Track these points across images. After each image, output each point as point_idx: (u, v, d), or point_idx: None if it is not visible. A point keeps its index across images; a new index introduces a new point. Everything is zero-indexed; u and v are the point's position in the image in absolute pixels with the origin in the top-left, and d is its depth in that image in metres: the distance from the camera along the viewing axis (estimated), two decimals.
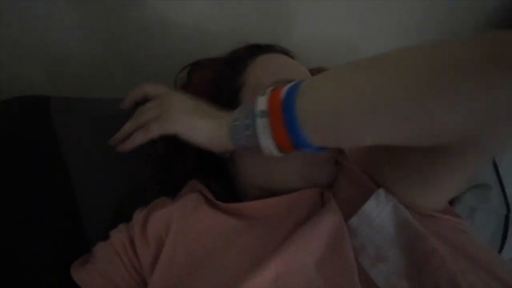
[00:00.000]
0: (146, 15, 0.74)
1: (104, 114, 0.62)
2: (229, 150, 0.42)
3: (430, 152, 0.34)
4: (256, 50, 0.55)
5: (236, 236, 0.41)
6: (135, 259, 0.43)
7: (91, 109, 0.62)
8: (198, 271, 0.38)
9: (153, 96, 0.46)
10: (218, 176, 0.52)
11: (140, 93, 0.47)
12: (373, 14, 1.02)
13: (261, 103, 0.36)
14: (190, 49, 0.78)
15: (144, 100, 0.47)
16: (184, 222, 0.43)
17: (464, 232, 0.39)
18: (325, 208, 0.40)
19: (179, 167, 0.54)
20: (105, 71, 0.77)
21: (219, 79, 0.55)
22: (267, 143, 0.36)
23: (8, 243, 0.45)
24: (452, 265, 0.32)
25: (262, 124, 0.36)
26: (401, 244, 0.35)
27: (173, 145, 0.55)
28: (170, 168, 0.55)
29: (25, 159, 0.52)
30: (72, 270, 0.43)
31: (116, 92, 0.69)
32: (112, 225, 0.49)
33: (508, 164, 0.75)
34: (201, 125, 0.40)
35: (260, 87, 0.49)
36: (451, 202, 0.73)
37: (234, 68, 0.54)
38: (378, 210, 0.38)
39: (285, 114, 0.34)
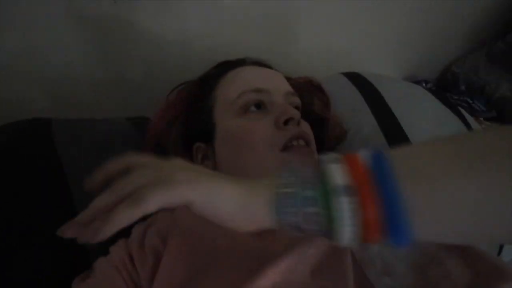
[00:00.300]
0: (145, 38, 0.77)
1: (103, 132, 0.63)
2: (262, 227, 0.28)
3: None
4: (226, 66, 0.58)
5: (234, 243, 0.41)
6: (134, 274, 0.43)
7: (91, 128, 0.64)
8: (197, 283, 0.38)
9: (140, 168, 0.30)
10: None
11: (121, 165, 0.32)
12: (372, 27, 1.06)
13: (337, 172, 0.25)
14: (190, 68, 0.79)
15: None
16: (180, 234, 0.44)
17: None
18: None
19: None
20: (104, 92, 0.79)
21: (192, 99, 0.58)
22: (346, 229, 0.24)
23: (7, 257, 0.46)
24: None
25: (346, 205, 0.24)
26: (412, 262, 0.35)
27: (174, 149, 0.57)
28: None
29: (28, 179, 0.54)
30: (73, 285, 0.43)
31: (116, 112, 0.72)
32: (112, 237, 0.50)
33: None
34: (227, 190, 0.27)
35: (228, 101, 0.53)
36: None
37: (205, 87, 0.57)
38: None
39: (380, 189, 0.24)
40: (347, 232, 0.24)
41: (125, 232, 0.48)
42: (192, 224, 0.45)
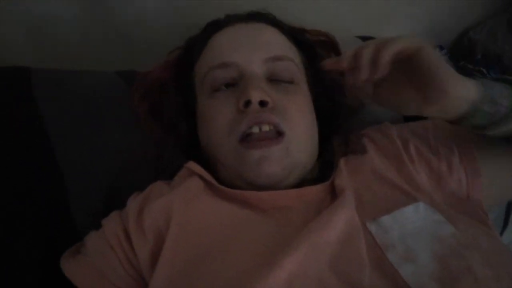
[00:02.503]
0: None
1: (90, 87, 0.57)
2: (465, 95, 0.37)
3: None
4: (211, 30, 0.50)
5: (243, 228, 0.38)
6: (131, 253, 0.39)
7: (77, 81, 0.57)
8: (204, 268, 0.35)
9: None
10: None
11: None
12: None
13: None
14: (192, 16, 0.68)
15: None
16: (185, 214, 0.40)
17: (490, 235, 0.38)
18: (338, 202, 0.38)
19: (175, 142, 0.51)
20: (93, 42, 0.70)
21: (180, 69, 0.53)
22: None
23: None
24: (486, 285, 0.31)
25: None
26: (434, 252, 0.34)
27: (167, 119, 0.52)
28: (165, 145, 0.51)
29: (5, 137, 0.48)
30: (62, 262, 0.40)
31: (103, 65, 0.65)
32: (104, 207, 0.46)
33: None
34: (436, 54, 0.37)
35: (200, 79, 0.48)
36: None
37: (189, 57, 0.51)
38: (414, 219, 0.37)
39: None
40: None
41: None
42: (196, 204, 0.41)
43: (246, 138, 0.41)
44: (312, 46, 0.55)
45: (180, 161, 0.48)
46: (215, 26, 0.50)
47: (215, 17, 0.54)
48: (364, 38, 0.70)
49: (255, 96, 0.41)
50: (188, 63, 0.51)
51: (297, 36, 0.52)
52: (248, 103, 0.41)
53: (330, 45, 0.59)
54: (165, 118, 0.51)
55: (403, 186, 0.41)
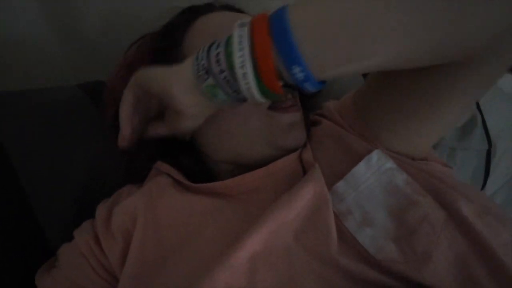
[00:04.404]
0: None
1: (51, 103, 0.56)
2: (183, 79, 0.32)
3: (426, 87, 0.33)
4: (193, 14, 0.49)
5: (210, 216, 0.39)
6: (102, 257, 0.40)
7: (36, 99, 0.56)
8: (172, 260, 0.36)
9: None
10: (186, 154, 0.48)
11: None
12: None
13: (238, 25, 0.29)
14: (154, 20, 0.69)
15: None
16: (151, 210, 0.40)
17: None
18: (306, 176, 0.38)
19: (141, 152, 0.50)
20: (51, 53, 0.69)
21: (155, 56, 0.50)
22: (239, 55, 0.27)
23: None
24: (442, 231, 0.32)
25: (238, 34, 0.28)
26: (389, 208, 0.34)
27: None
28: (132, 155, 0.50)
29: None
30: (36, 278, 0.40)
31: (61, 80, 0.64)
32: (74, 222, 0.46)
33: (488, 96, 0.73)
34: (163, 71, 0.33)
35: None
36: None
37: (170, 40, 0.49)
38: (367, 175, 0.36)
39: (271, 22, 0.27)
40: (239, 60, 0.27)
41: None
42: (163, 199, 0.41)
43: (273, 106, 0.42)
44: None
45: (149, 163, 0.48)
46: (198, 10, 0.49)
47: None
48: None
49: None
50: (169, 46, 0.48)
51: None
52: None
53: None
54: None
55: (357, 142, 0.40)
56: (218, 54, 0.29)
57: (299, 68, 0.26)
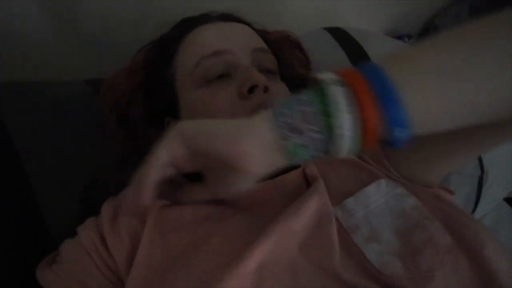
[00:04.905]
0: None
1: (58, 97, 0.56)
2: (261, 139, 0.28)
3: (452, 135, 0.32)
4: (187, 26, 0.50)
5: (217, 225, 0.39)
6: (107, 257, 0.39)
7: (43, 93, 0.56)
8: (179, 266, 0.35)
9: None
10: None
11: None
12: None
13: (328, 75, 0.27)
14: (158, 21, 0.69)
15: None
16: (161, 214, 0.40)
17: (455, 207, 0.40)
18: (311, 189, 0.38)
19: (141, 153, 0.50)
20: (58, 49, 0.69)
21: (152, 67, 0.51)
22: (345, 118, 0.25)
23: None
24: (446, 254, 0.33)
25: (338, 93, 0.25)
26: (396, 228, 0.35)
27: (132, 131, 0.52)
28: (132, 156, 0.50)
29: None
30: (37, 272, 0.39)
31: (70, 75, 0.64)
32: (79, 219, 0.45)
33: None
34: (222, 124, 0.30)
35: (187, 72, 0.46)
36: None
37: (165, 53, 0.50)
38: (377, 197, 0.37)
39: (372, 83, 0.25)
40: (346, 122, 0.25)
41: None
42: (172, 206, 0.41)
43: None
44: (278, 46, 0.56)
45: None
46: (192, 22, 0.50)
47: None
48: (332, 30, 0.72)
49: (262, 81, 0.41)
50: (162, 60, 0.50)
51: (264, 37, 0.53)
52: (253, 88, 0.42)
53: (292, 44, 0.60)
54: (134, 126, 0.51)
55: (366, 164, 0.42)
56: (307, 112, 0.26)
57: (402, 129, 0.25)
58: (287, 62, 0.56)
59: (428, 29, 1.34)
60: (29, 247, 0.44)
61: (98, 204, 0.44)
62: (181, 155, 0.31)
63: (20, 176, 0.47)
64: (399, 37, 1.20)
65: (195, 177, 0.37)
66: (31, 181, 0.47)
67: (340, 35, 0.69)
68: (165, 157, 0.31)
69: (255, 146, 0.28)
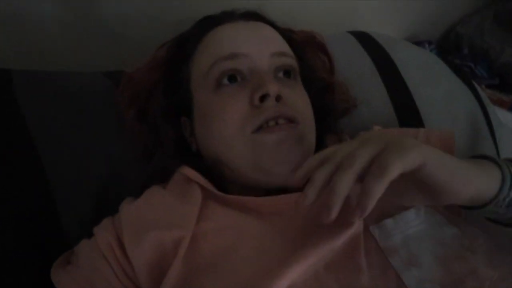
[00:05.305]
0: None
1: (76, 89, 0.55)
2: (476, 189, 0.31)
3: None
4: (206, 25, 0.48)
5: (244, 233, 0.38)
6: (125, 262, 0.37)
7: (62, 83, 0.55)
8: (205, 279, 0.34)
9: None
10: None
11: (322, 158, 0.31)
12: None
13: None
14: (183, 11, 0.66)
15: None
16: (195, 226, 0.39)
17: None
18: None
19: (164, 147, 0.49)
20: (76, 39, 0.68)
21: (170, 65, 0.50)
22: None
23: None
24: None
25: None
26: (437, 255, 0.34)
27: (156, 123, 0.50)
28: (155, 149, 0.49)
29: None
30: (52, 273, 0.38)
31: (90, 66, 0.62)
32: (94, 216, 0.44)
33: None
34: (470, 169, 0.31)
35: (201, 74, 0.45)
36: None
37: (183, 52, 0.48)
38: (416, 222, 0.36)
39: None
40: None
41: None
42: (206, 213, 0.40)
43: (259, 130, 0.40)
44: (302, 47, 0.54)
45: (172, 165, 0.47)
46: (212, 21, 0.48)
47: (204, 14, 0.52)
48: (357, 34, 0.70)
49: (274, 90, 0.40)
50: (181, 59, 0.49)
51: (288, 36, 0.51)
52: (264, 97, 0.40)
53: (317, 46, 0.58)
54: (153, 122, 0.49)
55: None
56: None
57: None
58: (310, 64, 0.55)
59: (448, 36, 1.31)
60: (44, 244, 0.43)
61: (117, 201, 0.43)
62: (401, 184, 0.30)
63: (36, 168, 0.46)
64: (419, 43, 1.18)
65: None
66: (47, 174, 0.46)
67: (366, 40, 0.67)
68: (364, 163, 0.28)
69: (471, 196, 0.31)
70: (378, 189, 0.26)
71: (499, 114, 0.69)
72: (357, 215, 0.28)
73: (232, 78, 0.43)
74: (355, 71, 0.62)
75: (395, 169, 0.26)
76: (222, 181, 0.45)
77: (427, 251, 0.34)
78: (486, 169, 0.32)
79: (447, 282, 0.32)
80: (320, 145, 0.49)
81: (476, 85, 0.66)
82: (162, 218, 0.40)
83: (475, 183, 0.30)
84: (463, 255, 0.34)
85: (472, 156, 0.36)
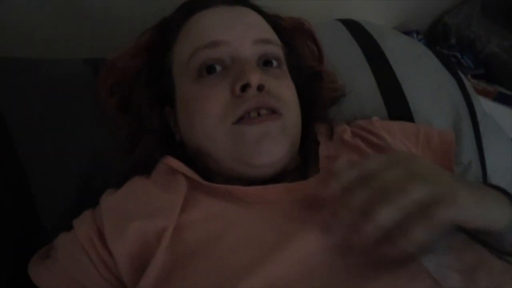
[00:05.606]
0: None
1: (56, 77, 0.52)
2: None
3: None
4: (189, 10, 0.46)
5: (230, 222, 0.37)
6: (105, 255, 0.36)
7: (41, 71, 0.52)
8: (189, 269, 0.34)
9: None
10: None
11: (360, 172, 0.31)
12: None
13: None
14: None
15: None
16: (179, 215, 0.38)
17: None
18: None
19: (147, 137, 0.47)
20: (56, 27, 0.65)
21: (152, 52, 0.48)
22: None
23: None
24: (502, 275, 0.32)
25: None
26: (450, 244, 0.33)
27: (138, 113, 0.48)
28: (138, 139, 0.48)
29: None
30: (30, 267, 0.37)
31: (69, 53, 0.60)
32: (75, 209, 0.43)
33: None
34: (493, 207, 0.32)
35: (182, 63, 0.44)
36: None
37: (165, 39, 0.47)
38: None
39: None
40: None
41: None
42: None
43: (240, 121, 0.40)
44: (290, 35, 0.53)
45: (155, 155, 0.46)
46: (193, 6, 0.47)
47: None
48: (346, 22, 0.69)
49: (255, 80, 0.39)
50: (162, 46, 0.47)
51: (275, 23, 0.50)
52: (245, 87, 0.39)
53: (305, 33, 0.57)
54: (136, 112, 0.48)
55: None
56: None
57: None
58: (298, 52, 0.54)
59: (436, 26, 1.32)
60: (21, 239, 0.42)
61: (99, 194, 0.42)
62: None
63: (13, 160, 0.44)
64: (408, 33, 1.17)
65: None
66: (24, 163, 0.44)
67: (355, 29, 0.66)
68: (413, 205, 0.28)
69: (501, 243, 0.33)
70: (420, 237, 0.27)
71: (484, 105, 0.70)
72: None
73: (213, 68, 0.42)
74: (344, 60, 0.61)
75: (443, 225, 0.27)
76: (208, 171, 0.44)
77: (439, 240, 0.33)
78: (501, 205, 0.33)
79: (462, 268, 0.32)
80: (307, 134, 0.48)
81: (462, 76, 0.66)
82: (144, 209, 0.38)
83: (488, 218, 0.31)
84: (472, 246, 0.34)
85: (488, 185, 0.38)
